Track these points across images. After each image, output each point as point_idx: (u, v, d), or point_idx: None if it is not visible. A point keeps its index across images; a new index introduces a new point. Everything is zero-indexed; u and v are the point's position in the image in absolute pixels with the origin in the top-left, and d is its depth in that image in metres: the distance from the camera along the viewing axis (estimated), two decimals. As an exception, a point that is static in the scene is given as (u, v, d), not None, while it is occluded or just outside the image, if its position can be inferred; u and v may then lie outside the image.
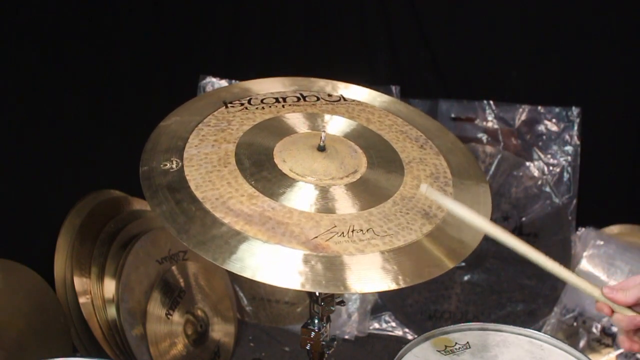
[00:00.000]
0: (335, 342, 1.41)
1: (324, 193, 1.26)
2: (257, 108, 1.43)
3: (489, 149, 2.47)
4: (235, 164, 1.28)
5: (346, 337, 2.44)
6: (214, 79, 2.52)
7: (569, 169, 2.46)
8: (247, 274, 1.13)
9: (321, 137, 1.32)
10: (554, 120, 2.47)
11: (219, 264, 1.14)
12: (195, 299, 2.24)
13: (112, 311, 2.06)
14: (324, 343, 1.38)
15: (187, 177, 1.25)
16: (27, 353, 1.84)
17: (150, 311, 2.08)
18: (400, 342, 2.25)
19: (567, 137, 2.46)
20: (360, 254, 1.17)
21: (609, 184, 2.55)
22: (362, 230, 1.21)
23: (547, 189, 2.45)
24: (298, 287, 1.12)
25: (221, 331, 2.31)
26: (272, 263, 1.14)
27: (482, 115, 2.49)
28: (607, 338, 2.26)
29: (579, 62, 2.46)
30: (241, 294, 2.49)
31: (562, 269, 1.16)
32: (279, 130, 1.38)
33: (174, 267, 2.19)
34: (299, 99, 1.48)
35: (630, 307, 1.13)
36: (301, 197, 1.24)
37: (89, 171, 2.25)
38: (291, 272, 1.13)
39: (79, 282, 2.05)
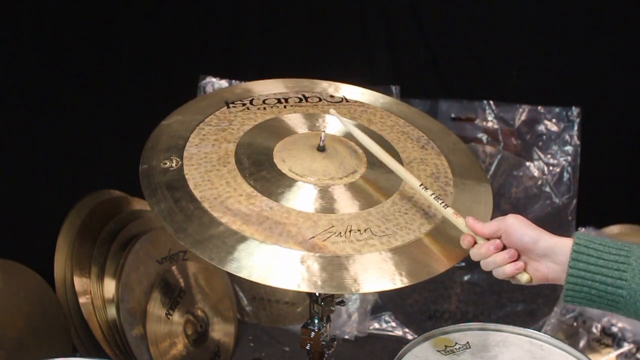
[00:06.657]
0: (335, 342, 1.41)
1: (323, 193, 1.25)
2: (258, 108, 1.43)
3: (489, 149, 2.47)
4: (234, 164, 1.28)
5: (346, 337, 2.44)
6: (214, 79, 2.51)
7: (569, 169, 2.45)
8: (244, 274, 1.12)
9: (321, 137, 1.32)
10: (554, 120, 2.46)
11: (215, 263, 1.13)
12: (195, 299, 2.23)
13: (112, 311, 2.06)
14: (324, 343, 1.38)
15: (186, 176, 1.25)
16: (27, 353, 1.84)
17: (150, 311, 2.08)
18: (400, 342, 2.25)
19: (567, 137, 2.46)
20: (357, 254, 1.17)
21: (609, 184, 2.54)
22: (359, 230, 1.20)
23: (547, 189, 2.45)
24: (294, 288, 1.12)
25: (221, 331, 2.31)
26: (268, 263, 1.14)
27: (482, 115, 2.49)
28: (607, 338, 2.26)
29: (579, 62, 2.46)
30: (241, 294, 2.49)
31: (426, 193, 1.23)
32: (280, 130, 1.38)
33: (174, 267, 2.18)
34: (301, 99, 1.48)
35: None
36: (300, 197, 1.24)
37: (89, 171, 2.25)
38: (288, 273, 1.13)
39: (79, 282, 2.05)
